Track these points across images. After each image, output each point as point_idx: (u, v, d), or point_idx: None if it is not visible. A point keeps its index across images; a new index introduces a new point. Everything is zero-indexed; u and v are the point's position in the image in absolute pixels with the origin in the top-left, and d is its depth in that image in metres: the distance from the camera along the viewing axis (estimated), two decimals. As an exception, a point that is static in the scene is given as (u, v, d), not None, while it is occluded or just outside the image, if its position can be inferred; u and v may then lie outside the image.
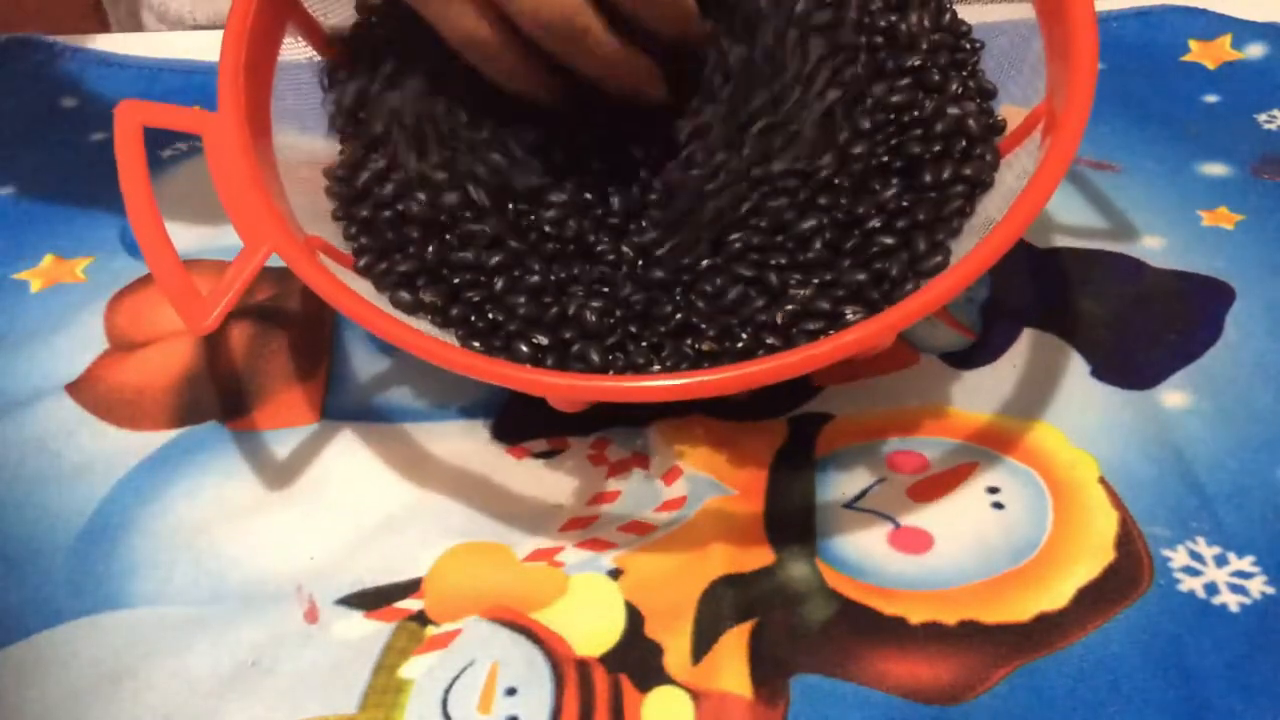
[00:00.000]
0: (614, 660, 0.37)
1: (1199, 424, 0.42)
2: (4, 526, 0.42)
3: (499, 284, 0.42)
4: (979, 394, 0.44)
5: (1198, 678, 0.35)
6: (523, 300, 0.41)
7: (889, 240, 0.41)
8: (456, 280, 0.42)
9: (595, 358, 0.40)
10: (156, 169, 0.57)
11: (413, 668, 0.37)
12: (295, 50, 0.47)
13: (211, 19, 0.69)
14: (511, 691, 0.36)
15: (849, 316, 0.40)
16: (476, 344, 0.41)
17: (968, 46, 0.45)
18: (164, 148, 0.58)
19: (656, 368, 0.40)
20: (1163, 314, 0.46)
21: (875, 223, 0.41)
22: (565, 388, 0.38)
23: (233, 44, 0.44)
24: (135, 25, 0.73)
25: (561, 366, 0.40)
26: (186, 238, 0.52)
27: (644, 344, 0.41)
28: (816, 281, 0.41)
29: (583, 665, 0.37)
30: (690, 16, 0.43)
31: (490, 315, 0.41)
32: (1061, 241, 0.50)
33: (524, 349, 0.40)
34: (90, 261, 0.53)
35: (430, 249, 0.42)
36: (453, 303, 0.42)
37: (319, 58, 0.48)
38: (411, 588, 0.40)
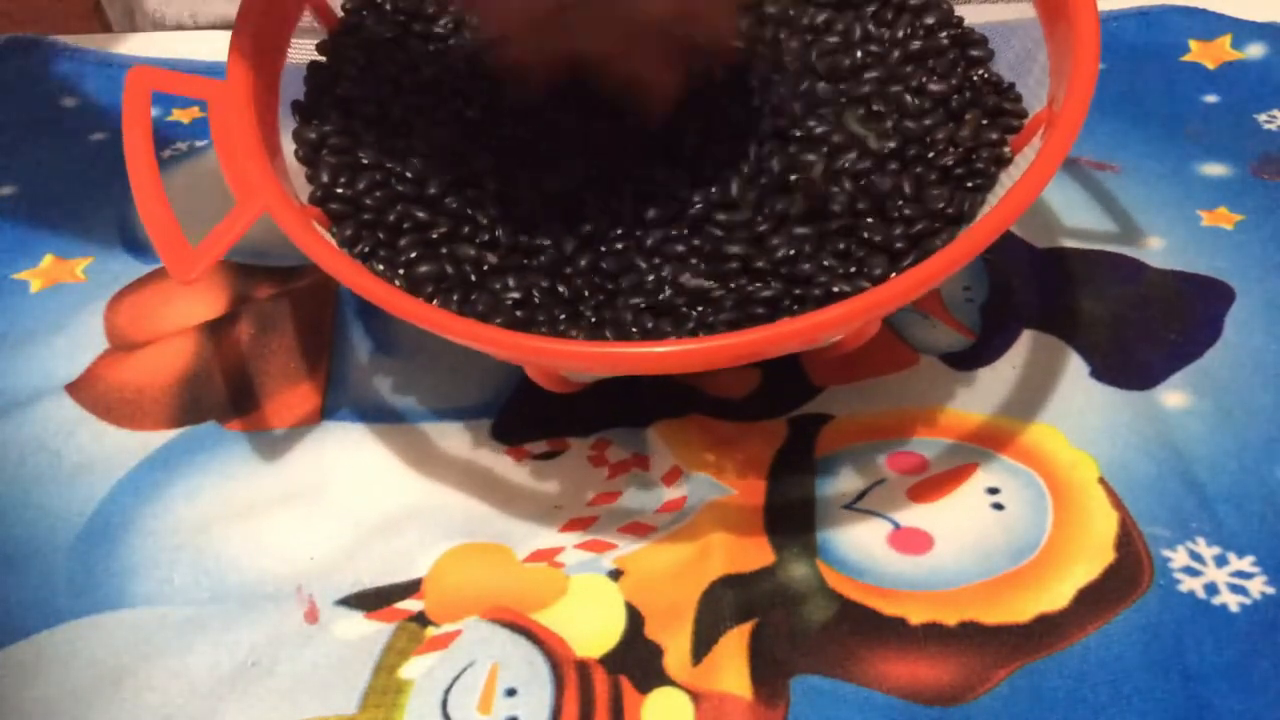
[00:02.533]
0: (614, 661, 0.37)
1: (1199, 424, 0.42)
2: (4, 526, 0.42)
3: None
4: (979, 395, 0.44)
5: (1198, 678, 0.35)
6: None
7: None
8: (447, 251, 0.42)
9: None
10: (156, 169, 0.57)
11: (413, 668, 0.37)
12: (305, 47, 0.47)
13: (213, 23, 0.69)
14: (511, 692, 0.36)
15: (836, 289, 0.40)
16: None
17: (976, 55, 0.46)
18: (164, 148, 0.58)
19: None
20: (1163, 314, 0.46)
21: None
22: (551, 352, 0.38)
23: (247, 15, 0.44)
24: (134, 27, 0.73)
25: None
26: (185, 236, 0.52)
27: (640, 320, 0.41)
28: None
29: (583, 666, 0.37)
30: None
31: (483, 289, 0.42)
32: (1061, 242, 0.50)
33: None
34: (90, 261, 0.53)
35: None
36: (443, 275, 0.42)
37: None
38: (411, 588, 0.40)
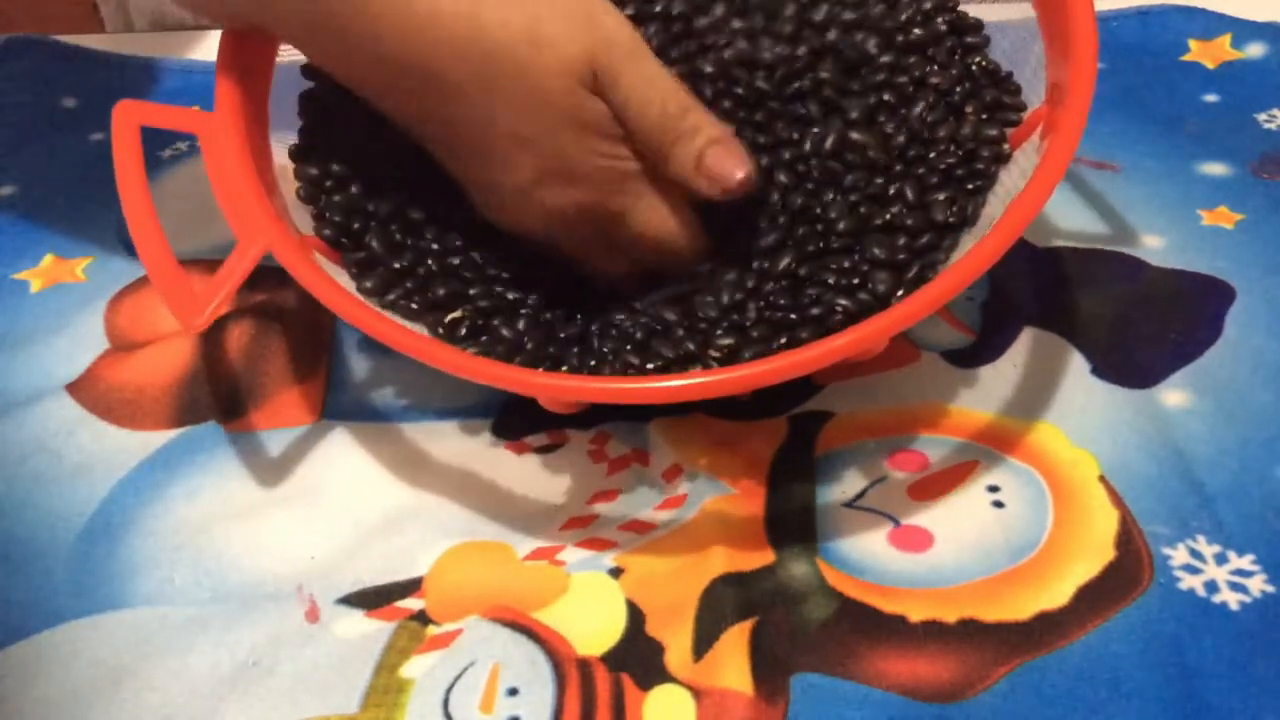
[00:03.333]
0: (615, 659, 0.37)
1: (1199, 423, 0.42)
2: (4, 526, 0.42)
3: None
4: (979, 393, 0.44)
5: (1198, 676, 0.35)
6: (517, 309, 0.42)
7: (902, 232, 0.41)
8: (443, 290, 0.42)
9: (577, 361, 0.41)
10: (157, 169, 0.57)
11: (414, 667, 0.37)
12: (295, 52, 0.47)
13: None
14: (513, 691, 0.36)
15: (839, 315, 0.39)
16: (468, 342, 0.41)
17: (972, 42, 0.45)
18: (164, 148, 0.58)
19: (651, 366, 0.40)
20: (1163, 313, 0.47)
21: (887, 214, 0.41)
22: (553, 388, 0.38)
23: (230, 42, 0.44)
24: (132, 26, 0.73)
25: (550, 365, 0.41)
26: (186, 238, 0.52)
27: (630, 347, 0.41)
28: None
29: (584, 664, 0.37)
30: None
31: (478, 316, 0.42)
32: (1062, 241, 0.50)
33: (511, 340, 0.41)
34: (90, 261, 0.53)
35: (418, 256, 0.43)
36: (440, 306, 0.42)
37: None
38: (412, 587, 0.40)
